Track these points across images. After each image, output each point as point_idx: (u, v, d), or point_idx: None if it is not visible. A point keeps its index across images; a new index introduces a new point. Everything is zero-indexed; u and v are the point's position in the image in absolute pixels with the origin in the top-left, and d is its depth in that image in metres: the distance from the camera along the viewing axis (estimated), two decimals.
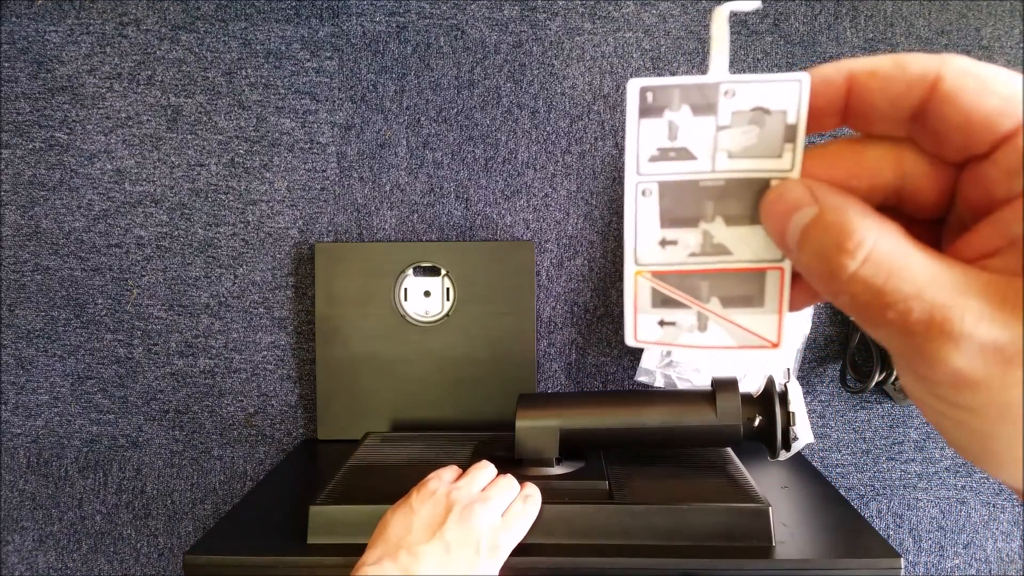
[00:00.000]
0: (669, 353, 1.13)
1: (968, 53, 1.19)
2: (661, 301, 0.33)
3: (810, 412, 1.22)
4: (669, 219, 0.32)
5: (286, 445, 1.25)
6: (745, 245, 0.31)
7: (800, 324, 1.17)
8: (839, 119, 0.29)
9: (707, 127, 0.30)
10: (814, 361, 1.21)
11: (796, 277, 0.32)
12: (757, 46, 1.21)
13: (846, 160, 0.29)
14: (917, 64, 0.26)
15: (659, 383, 1.14)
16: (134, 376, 1.25)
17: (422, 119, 1.23)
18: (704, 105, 0.30)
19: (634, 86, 0.30)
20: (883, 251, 0.25)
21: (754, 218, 0.31)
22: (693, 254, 0.32)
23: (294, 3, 1.22)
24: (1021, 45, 1.20)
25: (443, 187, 1.23)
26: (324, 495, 0.83)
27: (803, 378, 1.21)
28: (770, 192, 0.29)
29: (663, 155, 0.31)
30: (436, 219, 1.23)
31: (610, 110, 1.22)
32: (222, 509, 1.25)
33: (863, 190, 0.28)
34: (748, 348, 0.33)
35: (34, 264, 1.24)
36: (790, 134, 0.29)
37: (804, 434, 1.09)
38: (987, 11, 1.20)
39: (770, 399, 0.86)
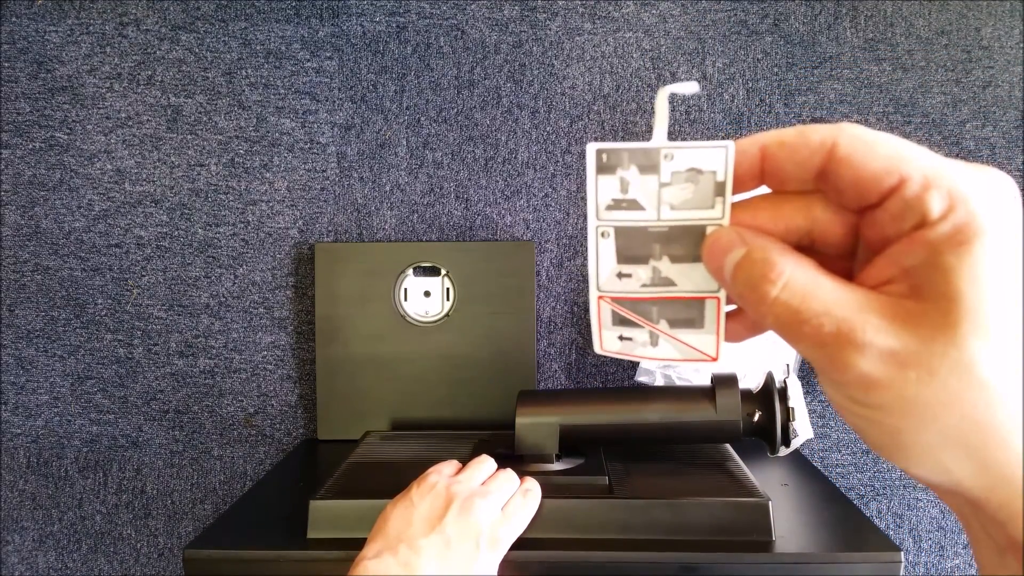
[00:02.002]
0: None
1: (968, 53, 1.19)
2: (620, 320, 0.39)
3: (810, 412, 1.22)
4: (624, 257, 0.37)
5: (286, 445, 1.25)
6: (687, 279, 0.37)
7: None
8: (758, 181, 0.35)
9: (652, 184, 0.36)
10: None
11: (735, 314, 0.38)
12: (757, 46, 1.22)
13: (766, 211, 0.35)
14: (816, 134, 0.32)
15: (659, 383, 1.14)
16: (134, 376, 1.25)
17: (422, 119, 1.23)
18: (648, 166, 0.35)
19: (591, 149, 0.35)
20: (799, 279, 0.31)
21: (695, 257, 0.36)
22: (644, 285, 0.38)
23: (294, 3, 1.23)
24: (1021, 45, 1.20)
25: (443, 187, 1.23)
26: (324, 490, 0.83)
27: (803, 378, 1.21)
28: (708, 237, 0.35)
29: (617, 205, 0.36)
30: (436, 219, 1.23)
31: (610, 110, 1.22)
32: (222, 509, 1.25)
33: (780, 234, 0.34)
34: (692, 360, 0.39)
35: (34, 264, 1.24)
36: (719, 189, 0.35)
37: (804, 430, 1.08)
38: (987, 11, 1.21)
39: (769, 395, 0.86)
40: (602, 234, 0.37)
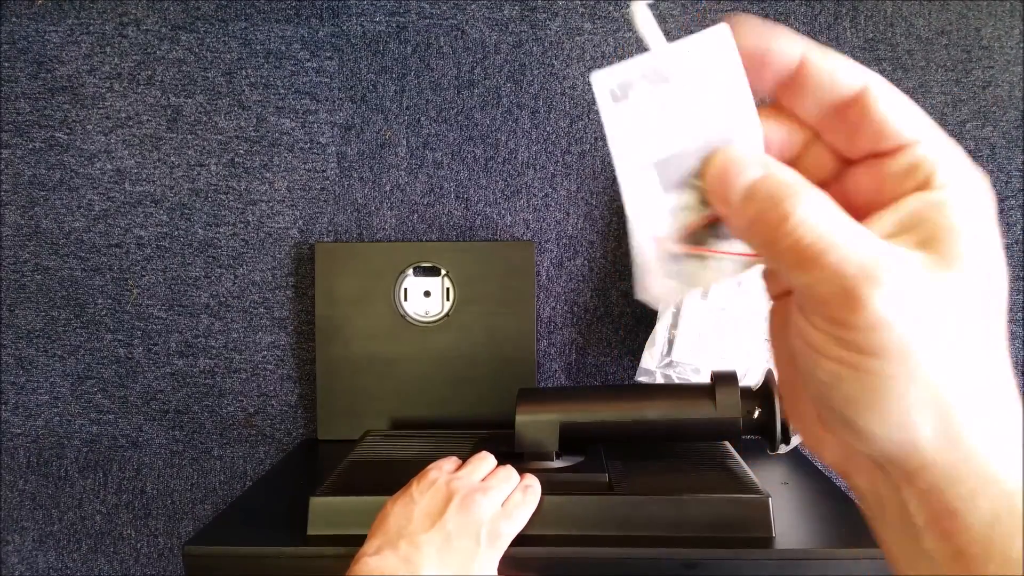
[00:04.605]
0: (669, 353, 1.13)
1: (968, 53, 1.19)
2: (675, 258, 0.34)
3: None
4: (668, 185, 0.33)
5: (286, 445, 1.25)
6: None
7: None
8: (774, 87, 0.33)
9: (669, 97, 0.32)
10: None
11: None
12: None
13: (772, 126, 0.34)
14: (850, 72, 0.32)
15: (659, 382, 1.14)
16: (134, 376, 1.25)
17: (422, 119, 1.23)
18: (659, 79, 0.32)
19: (597, 79, 0.32)
20: (826, 207, 0.30)
21: None
22: (695, 210, 0.34)
23: (294, 3, 1.23)
24: (1021, 45, 1.21)
25: (443, 187, 1.23)
26: (324, 487, 0.83)
27: None
28: (720, 153, 0.32)
29: (641, 132, 0.33)
30: (436, 219, 1.23)
31: None
32: (222, 509, 1.25)
33: (774, 154, 0.33)
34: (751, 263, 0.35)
35: (34, 264, 1.24)
36: (735, 87, 0.32)
37: None
38: (987, 11, 1.21)
39: (769, 392, 0.86)
40: (638, 170, 0.33)
